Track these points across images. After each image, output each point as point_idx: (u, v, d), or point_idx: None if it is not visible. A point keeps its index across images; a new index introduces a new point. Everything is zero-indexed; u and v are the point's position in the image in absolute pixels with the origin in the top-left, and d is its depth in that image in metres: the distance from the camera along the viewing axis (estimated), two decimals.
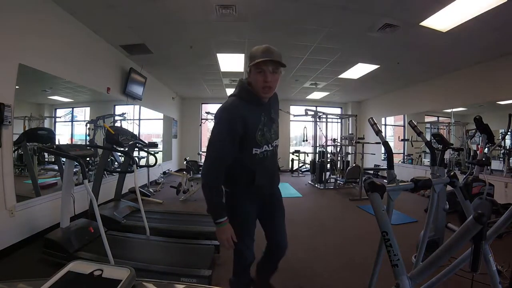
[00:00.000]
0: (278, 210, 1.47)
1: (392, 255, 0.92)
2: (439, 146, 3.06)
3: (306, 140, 7.96)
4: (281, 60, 1.15)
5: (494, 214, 2.91)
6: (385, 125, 7.71)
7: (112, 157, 4.27)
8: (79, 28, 3.24)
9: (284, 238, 1.48)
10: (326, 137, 6.35)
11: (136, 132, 5.07)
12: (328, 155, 6.29)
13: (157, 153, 5.27)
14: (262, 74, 1.15)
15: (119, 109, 4.69)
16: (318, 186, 6.00)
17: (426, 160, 6.12)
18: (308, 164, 7.53)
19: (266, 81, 1.15)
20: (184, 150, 8.44)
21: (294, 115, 7.66)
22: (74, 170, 2.53)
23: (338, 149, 6.51)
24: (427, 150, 3.88)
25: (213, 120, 1.42)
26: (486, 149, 3.40)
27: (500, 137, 4.34)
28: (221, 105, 1.23)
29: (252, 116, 1.21)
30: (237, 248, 1.29)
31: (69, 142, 3.63)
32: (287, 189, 5.74)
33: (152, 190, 5.00)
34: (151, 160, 4.48)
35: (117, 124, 4.56)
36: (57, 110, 3.38)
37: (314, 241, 2.78)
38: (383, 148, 2.38)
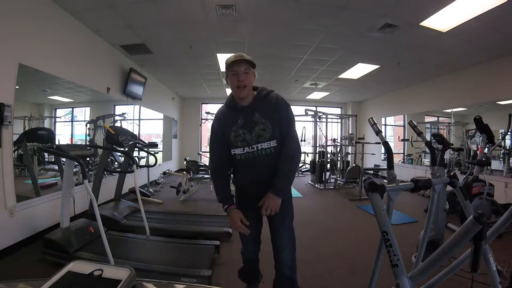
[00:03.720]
0: (276, 221, 1.42)
1: (392, 255, 0.91)
2: (439, 146, 3.05)
3: (304, 140, 7.96)
4: (252, 61, 1.29)
5: (494, 214, 2.91)
6: (385, 125, 7.71)
7: (112, 157, 4.27)
8: (79, 28, 3.24)
9: (284, 261, 1.42)
10: (326, 137, 6.35)
11: (136, 132, 5.08)
12: (328, 155, 6.29)
13: (157, 153, 5.27)
14: (236, 75, 1.28)
15: (119, 109, 4.69)
16: (318, 186, 6.00)
17: (426, 160, 6.12)
18: (308, 164, 7.53)
19: (239, 80, 1.28)
20: (184, 150, 8.44)
21: (294, 115, 7.65)
22: (74, 170, 2.53)
23: (338, 149, 6.51)
24: (427, 150, 3.88)
25: None
26: (486, 149, 3.39)
27: (500, 137, 4.34)
28: None
29: (227, 118, 1.37)
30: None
31: (69, 142, 3.63)
32: None
33: (152, 190, 5.00)
34: (151, 160, 4.48)
35: (117, 124, 4.56)
36: (57, 110, 3.38)
37: (314, 241, 2.78)
38: (383, 148, 2.39)
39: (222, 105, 1.46)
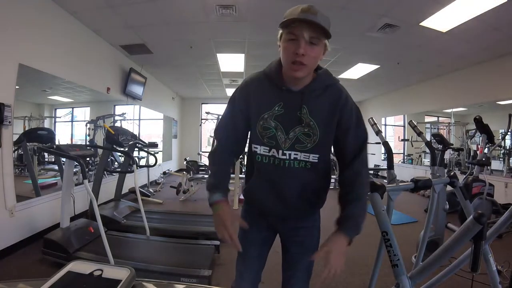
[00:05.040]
0: (296, 250, 1.02)
1: (392, 255, 0.91)
2: (439, 146, 3.06)
3: None
4: (327, 27, 0.76)
5: (494, 214, 2.91)
6: (385, 125, 7.71)
7: (112, 157, 4.27)
8: (79, 28, 3.24)
9: None
10: None
11: (137, 132, 5.08)
12: None
13: (157, 153, 5.27)
14: (295, 43, 0.78)
15: (119, 109, 4.69)
16: None
17: (426, 160, 6.12)
18: None
19: (297, 52, 0.77)
20: (184, 150, 8.44)
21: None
22: (74, 170, 2.53)
23: None
24: (427, 150, 3.88)
25: None
26: (486, 149, 3.40)
27: (500, 137, 4.35)
28: None
29: (262, 96, 0.90)
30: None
31: (69, 142, 3.64)
32: None
33: (152, 190, 5.00)
34: (151, 160, 4.49)
35: (117, 124, 4.57)
36: (57, 110, 3.38)
37: None
38: (383, 148, 2.39)
39: (260, 71, 0.95)
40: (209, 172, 0.99)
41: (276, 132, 0.89)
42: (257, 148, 0.93)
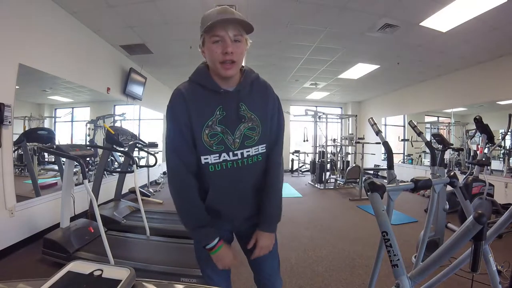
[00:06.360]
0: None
1: (392, 255, 0.91)
2: (439, 146, 3.06)
3: (307, 140, 7.97)
4: (246, 21, 0.83)
5: (494, 214, 2.92)
6: (385, 125, 7.71)
7: (112, 157, 4.27)
8: (79, 28, 3.24)
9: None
10: (326, 137, 6.35)
11: (136, 132, 5.08)
12: (328, 155, 6.29)
13: (157, 153, 5.27)
14: (220, 44, 0.82)
15: (119, 109, 4.69)
16: (318, 186, 6.00)
17: (426, 160, 6.12)
18: (308, 164, 7.53)
19: (226, 51, 0.82)
20: None
21: (294, 115, 7.67)
22: (74, 170, 2.53)
23: (338, 149, 6.51)
24: (427, 150, 3.88)
25: None
26: (486, 149, 3.40)
27: (500, 137, 4.35)
28: None
29: (200, 104, 0.88)
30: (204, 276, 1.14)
31: (69, 142, 3.64)
32: (287, 189, 5.74)
33: (152, 190, 5.01)
34: (151, 160, 4.49)
35: (117, 124, 4.57)
36: (57, 110, 3.38)
37: (314, 241, 2.78)
38: (383, 148, 2.39)
39: (186, 81, 0.96)
40: (181, 204, 0.94)
41: (224, 136, 0.90)
42: (207, 158, 0.90)
